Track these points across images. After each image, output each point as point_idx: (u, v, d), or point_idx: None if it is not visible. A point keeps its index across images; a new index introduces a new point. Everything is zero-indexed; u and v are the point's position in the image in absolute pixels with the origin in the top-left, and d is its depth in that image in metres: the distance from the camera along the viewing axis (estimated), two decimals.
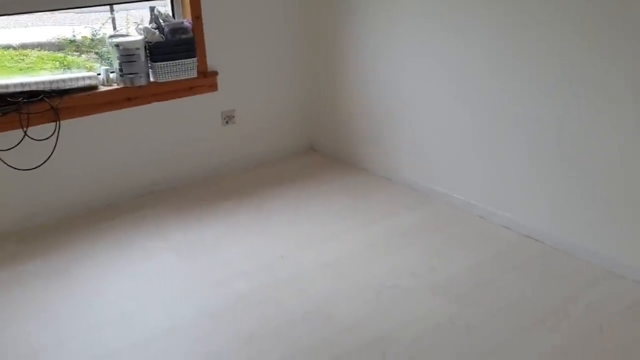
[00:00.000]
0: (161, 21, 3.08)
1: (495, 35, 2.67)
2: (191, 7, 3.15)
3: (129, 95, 3.09)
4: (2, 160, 2.81)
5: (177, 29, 3.08)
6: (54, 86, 2.91)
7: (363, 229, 2.93)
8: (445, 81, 2.96)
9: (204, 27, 3.23)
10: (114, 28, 3.34)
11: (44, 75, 3.07)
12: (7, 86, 2.80)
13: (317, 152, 3.96)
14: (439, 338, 2.13)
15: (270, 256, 2.71)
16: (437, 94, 3.03)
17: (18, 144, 2.83)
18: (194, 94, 3.31)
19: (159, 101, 3.21)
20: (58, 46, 3.46)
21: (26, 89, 2.84)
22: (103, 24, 3.41)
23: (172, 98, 3.25)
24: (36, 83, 2.88)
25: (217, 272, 2.60)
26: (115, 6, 3.38)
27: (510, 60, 2.64)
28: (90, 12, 3.69)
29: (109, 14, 3.41)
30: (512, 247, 2.72)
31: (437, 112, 3.06)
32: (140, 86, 3.09)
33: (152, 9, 3.11)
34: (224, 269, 2.62)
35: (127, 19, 3.46)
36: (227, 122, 3.54)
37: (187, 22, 3.14)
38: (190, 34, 3.13)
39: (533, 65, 2.55)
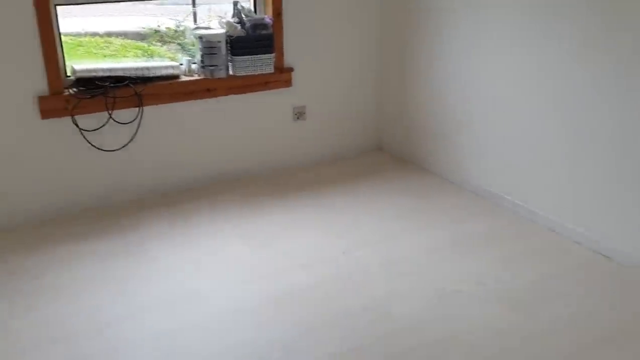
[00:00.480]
0: (243, 16, 3.18)
1: (591, 43, 2.55)
2: (273, 4, 3.24)
3: (208, 87, 3.21)
4: (87, 140, 2.98)
5: (258, 25, 3.17)
6: (139, 73, 3.06)
7: (427, 232, 2.92)
8: (528, 87, 2.89)
9: (283, 24, 3.31)
10: (195, 21, 3.47)
11: (130, 62, 3.23)
12: (95, 70, 2.97)
13: (384, 152, 3.97)
14: (500, 347, 2.11)
15: (333, 251, 2.75)
16: (515, 100, 2.97)
17: (103, 126, 2.99)
18: (268, 89, 3.40)
19: (235, 94, 3.32)
20: (141, 35, 3.63)
21: (113, 74, 3.00)
22: (187, 16, 3.55)
23: (248, 91, 3.35)
24: (122, 69, 3.03)
25: (281, 261, 2.66)
26: (197, 0, 3.51)
27: (606, 71, 2.52)
28: (172, 4, 3.86)
29: (190, 7, 3.56)
30: (582, 263, 2.65)
31: (513, 118, 3.01)
32: (219, 78, 3.20)
33: (235, 3, 3.21)
34: (287, 259, 2.68)
35: (209, 13, 3.59)
36: (297, 118, 3.61)
37: (268, 18, 3.22)
38: (271, 30, 3.21)
39: (630, 79, 2.45)
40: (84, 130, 2.95)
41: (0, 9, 2.63)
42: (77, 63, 3.01)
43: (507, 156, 3.08)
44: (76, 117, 2.90)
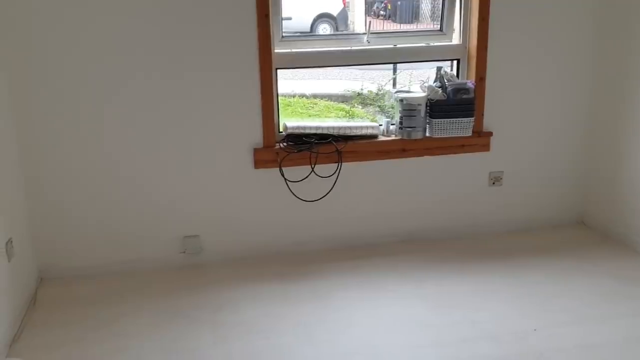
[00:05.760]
0: (445, 81, 3.24)
1: None
2: (476, 69, 3.26)
3: (404, 147, 3.30)
4: (290, 190, 3.23)
5: (460, 89, 3.20)
6: (342, 132, 3.26)
7: (633, 318, 2.60)
8: None
9: (486, 88, 3.31)
10: (394, 85, 3.63)
11: (333, 122, 3.47)
12: (304, 128, 3.23)
13: (586, 227, 3.66)
14: None
15: (522, 326, 2.58)
16: None
17: (305, 178, 3.22)
18: (464, 152, 3.38)
19: (430, 155, 3.36)
20: (343, 98, 3.89)
21: (319, 132, 3.24)
22: (389, 81, 3.73)
23: (443, 154, 3.37)
24: (327, 127, 3.26)
25: (465, 330, 2.57)
26: (398, 65, 3.68)
27: None
28: (374, 69, 4.09)
29: (391, 72, 3.73)
30: None
31: None
32: (415, 139, 3.28)
33: (438, 68, 3.30)
34: (472, 328, 2.58)
35: (410, 77, 3.73)
36: (493, 183, 3.51)
37: (471, 83, 3.24)
38: (472, 95, 3.22)
39: None
40: (288, 180, 3.20)
41: (231, 72, 3.04)
42: (289, 120, 3.31)
43: None
44: (283, 168, 3.18)
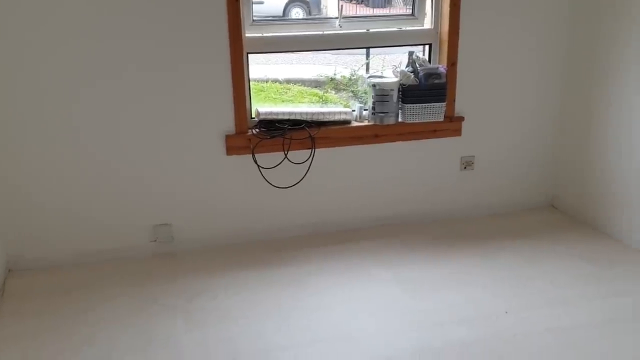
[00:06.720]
0: (417, 65, 3.24)
1: None
2: (448, 54, 3.27)
3: (377, 132, 3.29)
4: (263, 177, 3.21)
5: (432, 74, 3.20)
6: (315, 117, 3.24)
7: (604, 301, 2.66)
8: None
9: (457, 73, 3.32)
10: (367, 70, 3.62)
11: (306, 107, 3.44)
12: (277, 113, 3.21)
13: (556, 210, 3.72)
14: None
15: (494, 309, 2.61)
16: None
17: (278, 165, 3.20)
18: (436, 137, 3.40)
19: (402, 141, 3.36)
20: (317, 83, 3.86)
21: (292, 117, 3.21)
22: (362, 66, 3.71)
23: (415, 139, 3.37)
24: (300, 113, 3.24)
25: (438, 313, 2.60)
26: (371, 50, 3.66)
27: None
28: (348, 54, 4.07)
29: (364, 57, 3.71)
30: None
31: None
32: (388, 125, 3.28)
33: (410, 53, 3.29)
34: (445, 312, 2.61)
35: (383, 62, 3.72)
36: (465, 168, 3.54)
37: (443, 68, 3.25)
38: (444, 80, 3.23)
39: None
40: (261, 167, 3.18)
41: (201, 57, 2.98)
42: (261, 106, 3.28)
43: None
44: (256, 155, 3.15)
